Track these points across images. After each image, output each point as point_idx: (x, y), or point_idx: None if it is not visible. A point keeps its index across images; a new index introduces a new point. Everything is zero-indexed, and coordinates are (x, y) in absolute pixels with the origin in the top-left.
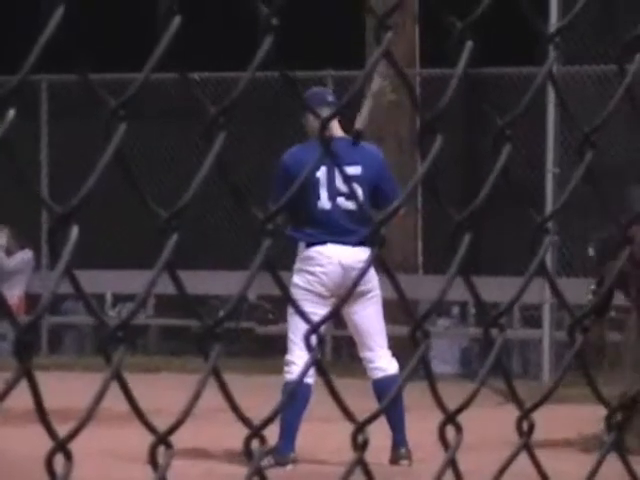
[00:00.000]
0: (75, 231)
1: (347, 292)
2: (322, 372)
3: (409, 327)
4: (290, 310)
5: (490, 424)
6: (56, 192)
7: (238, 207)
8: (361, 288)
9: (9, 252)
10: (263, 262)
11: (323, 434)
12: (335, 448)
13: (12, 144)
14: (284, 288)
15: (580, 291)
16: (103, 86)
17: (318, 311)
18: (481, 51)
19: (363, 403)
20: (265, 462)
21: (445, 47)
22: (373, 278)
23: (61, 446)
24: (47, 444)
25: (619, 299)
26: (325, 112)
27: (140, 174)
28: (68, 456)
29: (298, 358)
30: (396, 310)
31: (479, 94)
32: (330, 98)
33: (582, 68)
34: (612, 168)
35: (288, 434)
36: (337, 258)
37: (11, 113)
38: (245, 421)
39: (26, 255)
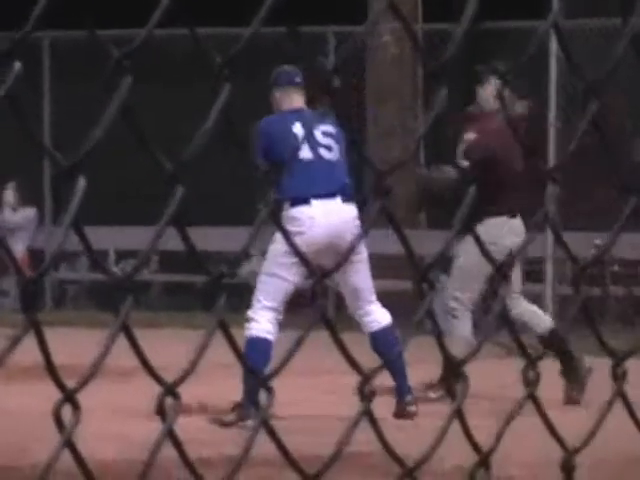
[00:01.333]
0: (82, 183)
1: (344, 256)
2: (329, 326)
3: (412, 281)
4: (264, 270)
5: (491, 377)
6: (59, 150)
7: (243, 161)
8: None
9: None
10: (266, 216)
11: (323, 387)
12: (335, 400)
13: (17, 97)
14: (290, 240)
15: (583, 245)
16: (109, 42)
17: (290, 278)
18: (486, 4)
19: (363, 356)
20: (229, 418)
21: (449, 2)
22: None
23: (69, 397)
24: (51, 399)
25: (624, 252)
26: (291, 92)
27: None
28: (76, 406)
29: (260, 316)
30: (398, 265)
31: (482, 47)
32: (297, 79)
33: (584, 21)
34: (615, 121)
35: (251, 392)
36: (321, 218)
37: (17, 66)
38: (254, 372)
39: (28, 212)
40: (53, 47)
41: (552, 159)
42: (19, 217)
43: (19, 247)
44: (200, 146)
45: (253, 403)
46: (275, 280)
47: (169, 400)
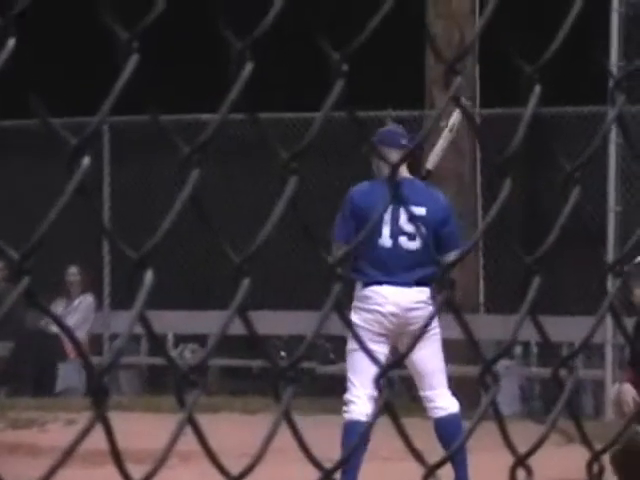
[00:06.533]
0: (149, 276)
1: (413, 340)
2: (392, 414)
3: (473, 366)
4: (349, 348)
5: (550, 465)
6: (118, 234)
7: (310, 249)
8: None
9: (70, 296)
10: (333, 305)
11: (385, 473)
12: None
13: (89, 190)
14: (353, 330)
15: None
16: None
17: (378, 349)
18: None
19: (425, 442)
20: None
21: (506, 88)
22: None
23: None
24: None
25: None
26: (395, 154)
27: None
28: None
29: (357, 397)
30: (460, 350)
31: (541, 134)
32: (404, 141)
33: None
34: None
35: (350, 474)
36: (392, 299)
37: (86, 160)
38: (316, 463)
39: (87, 300)
40: (113, 131)
41: (611, 244)
42: (77, 310)
43: (80, 335)
44: (269, 239)
45: None
46: (360, 355)
47: None
